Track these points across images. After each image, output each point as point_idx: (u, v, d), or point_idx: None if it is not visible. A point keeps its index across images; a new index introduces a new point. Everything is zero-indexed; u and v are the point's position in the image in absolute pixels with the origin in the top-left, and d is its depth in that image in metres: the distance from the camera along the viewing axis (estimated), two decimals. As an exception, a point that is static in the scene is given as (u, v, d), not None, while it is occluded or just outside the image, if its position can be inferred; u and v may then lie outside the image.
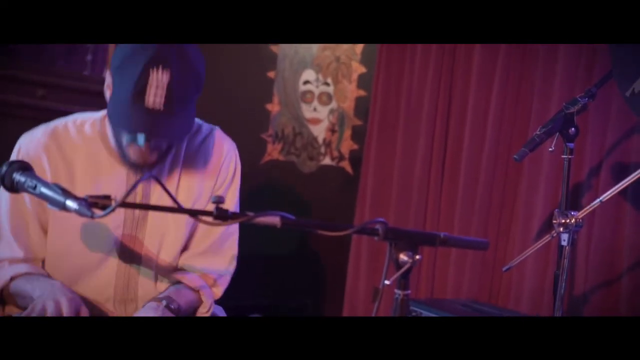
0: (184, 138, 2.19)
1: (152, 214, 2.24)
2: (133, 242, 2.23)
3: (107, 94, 2.10)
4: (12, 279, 2.16)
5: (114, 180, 2.19)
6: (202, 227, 2.34)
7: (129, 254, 2.23)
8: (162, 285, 2.29)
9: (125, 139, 2.09)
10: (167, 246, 2.27)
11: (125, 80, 1.98)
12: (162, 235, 2.25)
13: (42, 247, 2.23)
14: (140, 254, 2.24)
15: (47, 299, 2.01)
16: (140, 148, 2.07)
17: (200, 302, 2.30)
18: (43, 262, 2.26)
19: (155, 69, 1.95)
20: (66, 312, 1.98)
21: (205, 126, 2.35)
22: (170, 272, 2.30)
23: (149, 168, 2.16)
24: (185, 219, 2.28)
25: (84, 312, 2.04)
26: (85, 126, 2.23)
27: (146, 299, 2.24)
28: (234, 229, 2.40)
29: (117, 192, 2.16)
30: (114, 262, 2.23)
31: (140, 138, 2.03)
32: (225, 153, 2.33)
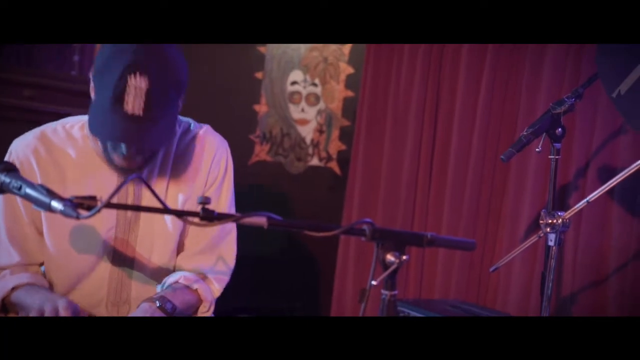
0: (165, 145, 2.17)
1: (143, 216, 2.24)
2: (125, 244, 2.23)
3: (92, 95, 2.10)
4: (13, 289, 2.16)
5: (105, 183, 2.19)
6: (194, 228, 2.33)
7: (121, 257, 2.23)
8: (157, 287, 2.28)
9: (108, 145, 2.09)
10: (159, 248, 2.26)
11: (103, 87, 1.98)
12: (153, 237, 2.25)
13: (40, 251, 2.24)
14: (133, 256, 2.24)
15: (45, 302, 2.02)
16: (124, 154, 2.07)
17: (199, 301, 2.28)
18: (42, 265, 2.27)
19: (132, 75, 1.94)
20: (63, 312, 1.99)
21: (195, 125, 2.34)
22: (164, 273, 2.29)
23: (137, 171, 2.15)
24: (176, 220, 2.27)
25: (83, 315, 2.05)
26: (74, 129, 2.22)
27: (140, 301, 2.24)
28: (230, 227, 2.39)
29: (107, 194, 2.16)
30: (106, 265, 2.23)
31: (122, 147, 2.03)
32: (215, 150, 2.31)
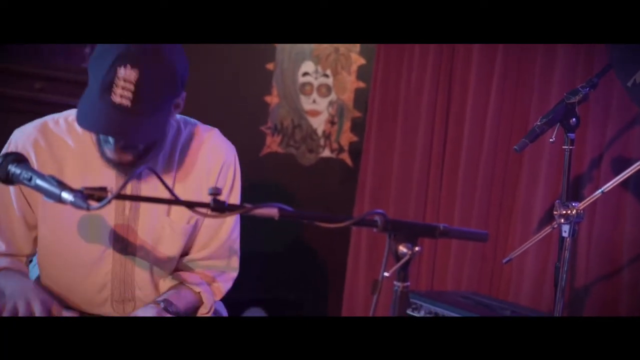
0: (152, 140, 2.08)
1: (143, 213, 2.20)
2: (125, 244, 2.20)
3: None
4: None
5: (103, 178, 2.14)
6: (204, 233, 2.30)
7: (122, 255, 2.21)
8: (161, 284, 2.28)
9: (100, 137, 2.06)
10: (161, 247, 2.24)
11: (94, 77, 1.95)
12: (154, 237, 2.22)
13: (26, 243, 2.23)
14: (134, 255, 2.22)
15: (18, 299, 2.01)
16: (112, 148, 2.03)
17: (200, 302, 2.28)
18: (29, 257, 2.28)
19: (122, 66, 1.90)
20: (38, 313, 1.97)
21: (202, 128, 2.29)
22: (167, 270, 2.28)
23: (130, 167, 2.09)
24: (182, 224, 2.24)
25: (57, 312, 2.02)
26: (76, 123, 2.16)
27: (144, 299, 2.24)
28: (237, 234, 2.36)
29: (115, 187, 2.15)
30: (107, 263, 2.21)
31: (110, 139, 2.00)
32: (224, 158, 2.26)
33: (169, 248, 2.24)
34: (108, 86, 1.90)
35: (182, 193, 2.19)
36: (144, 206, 2.20)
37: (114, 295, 2.23)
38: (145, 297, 2.25)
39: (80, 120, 1.98)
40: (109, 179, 2.14)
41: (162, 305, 2.11)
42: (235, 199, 2.31)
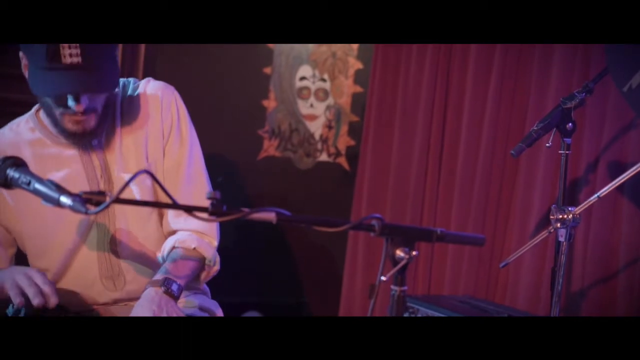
0: (112, 89, 2.14)
1: (117, 184, 2.20)
2: (104, 219, 2.22)
3: (26, 73, 2.10)
4: None
5: (70, 164, 2.19)
6: (166, 184, 2.24)
7: (103, 233, 2.23)
8: (146, 253, 2.27)
9: (57, 110, 2.07)
10: (134, 217, 2.25)
11: (36, 50, 1.99)
12: (125, 208, 2.23)
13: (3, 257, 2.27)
14: (114, 230, 2.23)
15: (16, 274, 2.02)
16: (75, 114, 2.05)
17: (202, 259, 2.26)
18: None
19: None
20: (39, 281, 1.99)
21: (135, 80, 2.32)
22: (148, 240, 2.28)
23: (91, 137, 2.13)
24: (144, 186, 2.23)
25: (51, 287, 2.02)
26: (21, 125, 2.24)
27: (133, 272, 2.25)
28: (201, 180, 2.33)
29: (77, 175, 2.18)
30: (91, 243, 2.23)
31: (70, 100, 2.01)
32: (161, 97, 2.28)
33: (139, 212, 2.25)
34: (55, 50, 1.95)
35: (132, 147, 2.22)
36: (115, 173, 2.21)
37: (102, 272, 2.24)
38: (132, 267, 2.25)
39: (40, 89, 2.03)
40: (74, 161, 2.18)
41: (162, 289, 2.08)
42: (186, 128, 2.31)
